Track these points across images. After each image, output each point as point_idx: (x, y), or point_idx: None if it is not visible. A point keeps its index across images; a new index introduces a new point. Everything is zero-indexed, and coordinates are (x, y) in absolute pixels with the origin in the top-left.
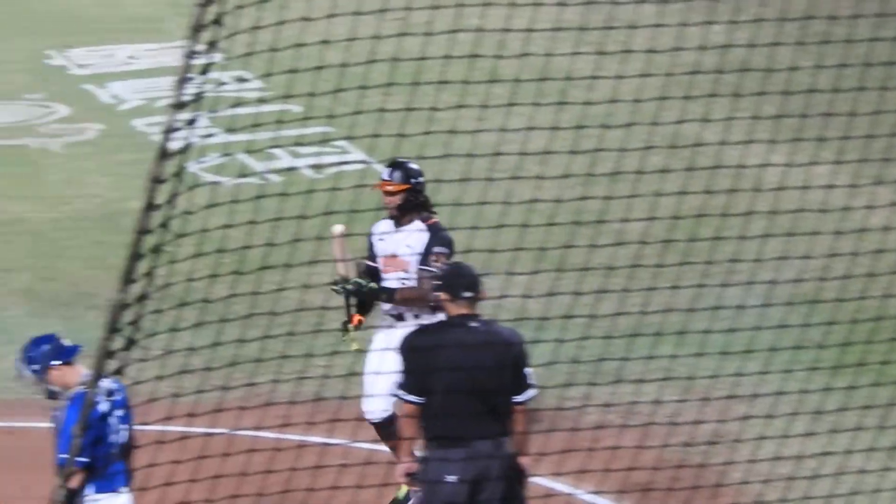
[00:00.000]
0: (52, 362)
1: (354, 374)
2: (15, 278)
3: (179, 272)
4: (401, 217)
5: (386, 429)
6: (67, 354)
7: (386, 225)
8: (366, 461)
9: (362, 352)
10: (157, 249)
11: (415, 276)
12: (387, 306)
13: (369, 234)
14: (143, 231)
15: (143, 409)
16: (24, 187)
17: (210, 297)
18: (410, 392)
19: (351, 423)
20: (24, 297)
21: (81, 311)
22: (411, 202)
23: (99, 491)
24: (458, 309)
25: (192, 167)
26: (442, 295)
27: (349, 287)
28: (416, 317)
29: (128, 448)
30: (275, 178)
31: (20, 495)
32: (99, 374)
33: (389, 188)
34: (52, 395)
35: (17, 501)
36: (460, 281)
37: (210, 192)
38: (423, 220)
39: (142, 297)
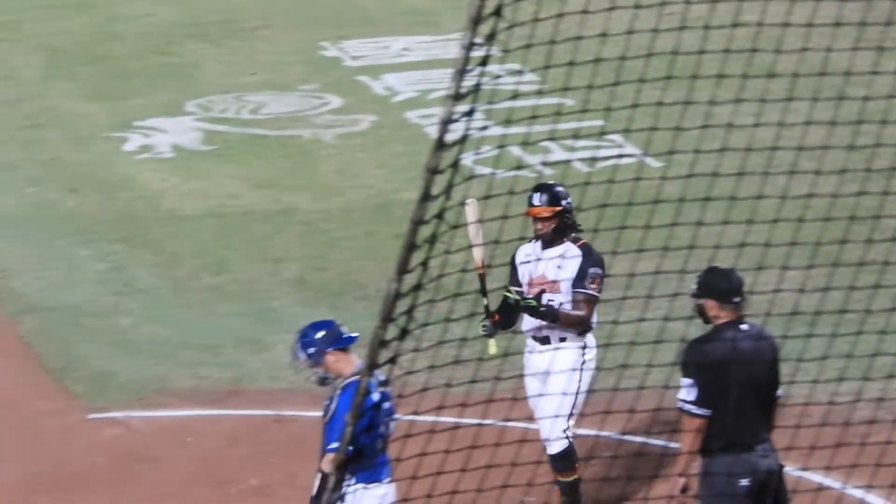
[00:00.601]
0: (329, 348)
1: (626, 367)
2: (286, 268)
3: (453, 263)
4: (552, 240)
5: (560, 461)
6: (344, 342)
7: (532, 248)
8: (636, 453)
9: (502, 356)
10: (431, 240)
11: (568, 299)
12: (530, 329)
13: (511, 259)
14: (418, 221)
15: (415, 398)
16: (297, 178)
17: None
18: (702, 406)
19: (622, 415)
20: (294, 287)
21: (351, 301)
22: (563, 224)
23: (365, 481)
24: (727, 315)
25: (467, 159)
26: (709, 303)
27: (525, 303)
28: (562, 339)
29: (389, 439)
30: (548, 171)
31: (286, 482)
32: (373, 364)
33: (543, 213)
34: (323, 382)
35: (284, 489)
36: (729, 287)
37: (485, 184)
38: (574, 242)
39: (416, 288)
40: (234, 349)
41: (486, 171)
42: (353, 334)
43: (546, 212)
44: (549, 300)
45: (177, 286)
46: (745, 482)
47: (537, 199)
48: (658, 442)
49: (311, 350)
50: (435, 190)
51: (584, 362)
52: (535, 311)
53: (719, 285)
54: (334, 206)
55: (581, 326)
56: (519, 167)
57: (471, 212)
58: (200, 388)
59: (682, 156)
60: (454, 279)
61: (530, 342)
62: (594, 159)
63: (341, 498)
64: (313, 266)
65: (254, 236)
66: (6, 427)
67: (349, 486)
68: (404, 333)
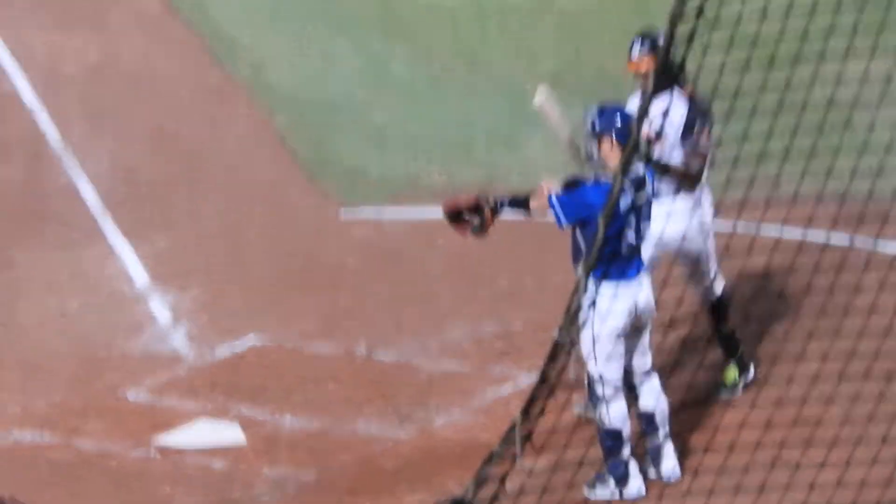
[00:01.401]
0: (613, 135)
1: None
2: (541, 63)
3: (710, 63)
4: (655, 90)
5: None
6: (627, 139)
7: (638, 99)
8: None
9: None
10: (690, 38)
11: (680, 151)
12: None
13: None
14: (676, 17)
15: None
16: None
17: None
18: None
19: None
20: (549, 82)
21: (607, 96)
22: (664, 73)
23: (616, 279)
24: None
25: None
26: None
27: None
28: (676, 193)
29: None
30: None
31: (537, 286)
32: (627, 163)
33: (642, 67)
34: (588, 159)
35: (533, 292)
36: None
37: None
38: (680, 91)
39: None
40: (487, 146)
41: None
42: None
43: (645, 63)
44: (658, 154)
45: (432, 80)
46: None
47: (636, 49)
48: None
49: (601, 126)
50: None
51: (699, 220)
52: (647, 164)
53: None
54: (590, 2)
55: (692, 180)
56: None
57: (545, 105)
58: (453, 186)
59: None
60: (710, 77)
61: None
62: None
63: (593, 302)
64: (569, 61)
65: (509, 29)
66: (261, 220)
67: (601, 286)
68: (659, 135)
